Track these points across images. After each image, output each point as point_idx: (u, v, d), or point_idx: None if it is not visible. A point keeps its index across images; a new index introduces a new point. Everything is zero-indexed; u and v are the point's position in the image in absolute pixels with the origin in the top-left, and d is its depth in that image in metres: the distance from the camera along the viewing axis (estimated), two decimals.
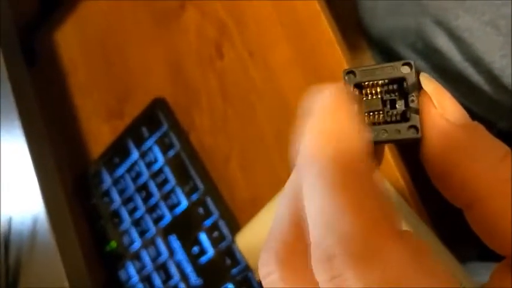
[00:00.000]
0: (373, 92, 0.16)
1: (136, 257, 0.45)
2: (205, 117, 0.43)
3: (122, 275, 0.46)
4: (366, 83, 0.16)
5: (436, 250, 0.29)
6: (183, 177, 0.42)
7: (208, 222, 0.41)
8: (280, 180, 0.39)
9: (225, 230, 0.40)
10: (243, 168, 0.41)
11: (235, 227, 0.40)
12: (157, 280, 0.43)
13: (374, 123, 0.15)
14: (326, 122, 0.14)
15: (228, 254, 0.40)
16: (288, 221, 0.15)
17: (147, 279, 0.44)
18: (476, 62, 0.39)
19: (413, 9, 0.42)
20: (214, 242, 0.40)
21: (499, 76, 0.38)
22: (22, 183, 0.41)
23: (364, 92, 0.16)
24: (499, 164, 0.14)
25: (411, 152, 0.17)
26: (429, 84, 0.15)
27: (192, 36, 0.44)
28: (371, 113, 0.16)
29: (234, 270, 0.40)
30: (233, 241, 0.39)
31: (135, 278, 0.45)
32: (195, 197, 0.41)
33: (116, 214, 0.46)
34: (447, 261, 0.29)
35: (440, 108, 0.15)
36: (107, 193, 0.47)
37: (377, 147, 0.16)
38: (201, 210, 0.41)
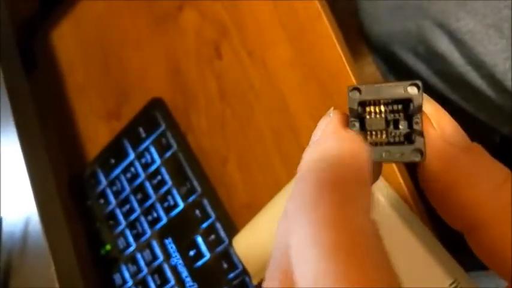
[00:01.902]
0: (377, 110, 0.15)
1: (132, 260, 0.44)
2: (203, 118, 0.43)
3: (117, 278, 0.45)
4: (370, 102, 0.15)
5: (436, 253, 0.28)
6: (180, 179, 0.41)
7: (205, 225, 0.40)
8: (278, 182, 0.38)
9: (222, 233, 0.39)
10: (241, 170, 0.40)
11: (233, 230, 0.39)
12: (152, 284, 0.43)
13: (376, 143, 0.15)
14: (320, 147, 0.14)
15: (225, 257, 0.39)
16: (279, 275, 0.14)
17: (142, 283, 0.43)
18: (479, 65, 0.38)
19: (414, 13, 0.41)
20: (211, 246, 0.40)
21: (502, 80, 0.37)
22: (14, 184, 0.40)
23: (367, 110, 0.15)
24: (499, 188, 0.14)
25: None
26: (429, 105, 0.15)
27: (190, 37, 0.44)
28: (373, 132, 0.15)
29: (231, 275, 0.39)
30: (230, 245, 0.38)
31: (130, 281, 0.44)
32: (191, 199, 0.41)
33: (111, 216, 0.46)
34: (446, 262, 0.28)
35: (439, 130, 0.15)
36: (102, 194, 0.46)
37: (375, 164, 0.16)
38: (197, 212, 0.40)
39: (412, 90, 0.15)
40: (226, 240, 0.39)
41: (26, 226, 0.38)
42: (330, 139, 0.14)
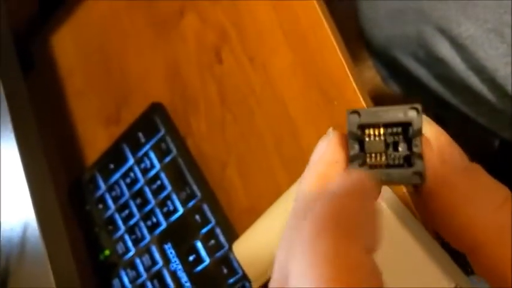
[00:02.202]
0: (376, 133, 0.15)
1: (131, 265, 0.44)
2: (203, 123, 0.42)
3: (116, 284, 0.45)
4: (370, 124, 0.15)
5: (437, 257, 0.28)
6: (180, 184, 0.41)
7: (204, 230, 0.40)
8: (279, 187, 0.38)
9: (222, 238, 0.39)
10: (241, 175, 0.40)
11: (233, 235, 0.39)
12: None
13: (375, 165, 0.15)
14: (317, 169, 0.14)
15: (225, 263, 0.39)
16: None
17: None
18: (480, 70, 0.38)
19: (415, 18, 0.41)
20: (211, 251, 0.39)
21: (503, 84, 0.37)
22: (13, 188, 0.40)
23: (367, 132, 0.15)
24: (498, 209, 0.14)
25: None
26: (428, 126, 0.15)
27: (191, 41, 0.44)
28: (372, 154, 0.15)
29: (231, 280, 0.38)
30: (230, 250, 0.38)
31: (129, 287, 0.44)
32: (191, 204, 0.41)
33: (110, 221, 0.45)
34: (447, 266, 0.28)
35: (437, 151, 0.15)
36: (101, 199, 0.46)
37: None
38: (197, 217, 0.40)
39: (412, 114, 0.15)
40: (226, 245, 0.39)
41: (24, 231, 0.37)
42: (336, 174, 0.14)
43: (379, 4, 0.45)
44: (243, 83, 0.40)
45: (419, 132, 0.15)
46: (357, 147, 0.15)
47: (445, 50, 0.40)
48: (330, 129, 0.16)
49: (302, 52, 0.37)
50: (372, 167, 0.15)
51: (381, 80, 0.52)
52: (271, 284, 0.14)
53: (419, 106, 0.15)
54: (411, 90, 0.49)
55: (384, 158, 0.15)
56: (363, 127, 0.15)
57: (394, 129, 0.15)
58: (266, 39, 0.39)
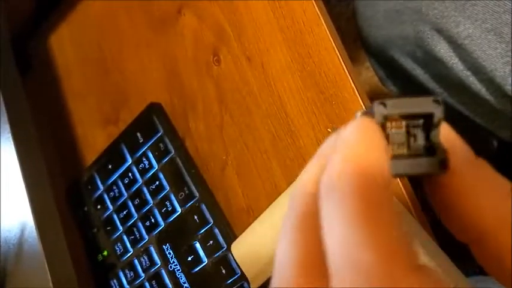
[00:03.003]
0: (398, 125, 0.16)
1: (129, 266, 0.44)
2: (201, 123, 0.42)
3: (114, 284, 0.45)
4: (392, 116, 0.16)
5: (436, 258, 0.28)
6: (178, 184, 0.41)
7: (203, 231, 0.40)
8: (277, 187, 0.38)
9: (220, 239, 0.39)
10: (239, 175, 0.40)
11: (231, 236, 0.39)
12: None
13: (398, 156, 0.16)
14: (353, 150, 0.14)
15: (223, 263, 0.39)
16: (303, 247, 0.15)
17: None
18: (478, 70, 0.38)
19: (413, 18, 0.41)
20: (209, 251, 0.39)
21: (501, 84, 0.37)
22: (10, 189, 0.39)
23: (389, 124, 0.16)
24: (504, 201, 0.14)
25: None
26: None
27: (189, 41, 0.43)
28: (395, 146, 0.16)
29: (229, 280, 0.38)
30: (228, 250, 0.38)
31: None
32: (189, 204, 0.41)
33: (109, 222, 0.45)
34: (446, 267, 0.28)
35: (447, 144, 0.15)
36: (99, 200, 0.46)
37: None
38: (195, 218, 0.40)
39: (434, 105, 0.15)
40: (225, 246, 0.39)
41: (22, 232, 0.37)
42: (360, 145, 0.15)
43: (377, 4, 0.45)
44: (241, 83, 0.40)
45: (439, 123, 0.15)
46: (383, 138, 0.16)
47: (443, 50, 0.40)
48: (359, 112, 0.16)
49: (300, 52, 0.37)
50: (395, 157, 0.16)
51: (378, 81, 0.52)
52: (273, 284, 0.15)
53: (440, 98, 0.16)
54: (409, 90, 0.49)
55: (405, 149, 0.16)
56: (385, 119, 0.16)
57: (415, 121, 0.16)
58: (264, 39, 0.39)
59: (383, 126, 0.16)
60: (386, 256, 0.12)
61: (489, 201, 0.15)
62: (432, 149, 0.16)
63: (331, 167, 0.14)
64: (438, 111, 0.15)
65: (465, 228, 0.15)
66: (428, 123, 0.16)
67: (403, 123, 0.16)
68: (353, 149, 0.14)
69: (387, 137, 0.16)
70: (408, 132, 0.16)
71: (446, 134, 0.16)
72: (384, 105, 0.16)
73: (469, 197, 0.15)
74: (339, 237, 0.13)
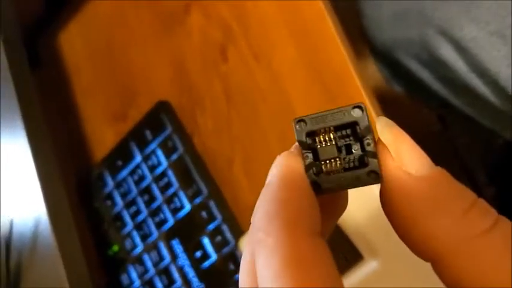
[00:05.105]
0: (327, 138, 0.15)
1: (139, 261, 0.45)
2: (209, 120, 0.43)
3: (124, 279, 0.45)
4: (319, 131, 0.15)
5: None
6: (186, 181, 0.42)
7: (211, 227, 0.40)
8: None
9: (229, 235, 0.40)
10: (247, 171, 0.41)
11: (239, 232, 0.39)
12: (159, 285, 0.43)
13: (332, 172, 0.15)
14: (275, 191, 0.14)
15: (231, 259, 0.39)
16: None
17: (149, 284, 0.44)
18: (482, 72, 0.38)
19: (418, 20, 0.41)
20: (218, 247, 0.40)
21: (505, 87, 0.37)
22: (24, 185, 0.40)
23: (317, 139, 0.15)
24: (463, 218, 0.13)
25: None
26: (387, 131, 0.14)
27: (196, 39, 0.44)
28: (327, 161, 0.15)
29: (237, 276, 0.39)
30: (236, 246, 0.39)
31: (137, 282, 0.45)
32: (198, 200, 0.41)
33: (119, 217, 0.46)
34: None
35: (397, 159, 0.14)
36: (109, 196, 0.47)
37: (340, 192, 0.16)
38: (204, 214, 0.41)
39: (356, 113, 0.15)
40: (233, 242, 0.39)
41: (36, 227, 0.38)
42: (275, 169, 0.15)
43: (382, 6, 0.45)
44: (248, 80, 0.41)
45: (367, 130, 0.15)
46: (310, 156, 0.15)
47: (448, 52, 0.40)
48: (277, 156, 0.16)
49: (306, 49, 0.38)
50: (329, 173, 0.15)
51: (382, 78, 0.52)
52: (240, 284, 0.15)
53: (362, 104, 0.15)
54: (414, 91, 0.49)
55: (338, 163, 0.15)
56: (313, 135, 0.15)
57: (344, 132, 0.15)
58: (271, 36, 0.39)
59: (311, 143, 0.15)
60: None
61: (444, 221, 0.13)
62: (363, 160, 0.15)
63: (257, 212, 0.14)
64: (361, 119, 0.15)
65: (421, 251, 0.14)
66: (356, 133, 0.15)
67: (332, 136, 0.15)
68: (276, 182, 0.14)
69: (316, 152, 0.15)
70: (338, 145, 0.15)
71: (395, 144, 0.14)
72: (304, 122, 0.15)
73: (422, 218, 0.13)
74: (259, 264, 0.13)
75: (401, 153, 0.14)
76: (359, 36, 0.49)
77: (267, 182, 0.15)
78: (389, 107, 0.38)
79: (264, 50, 0.40)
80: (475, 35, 0.37)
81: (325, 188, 0.15)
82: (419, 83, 0.45)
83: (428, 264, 0.14)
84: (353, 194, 0.16)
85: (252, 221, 0.14)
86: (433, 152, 0.15)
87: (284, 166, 0.14)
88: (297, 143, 0.15)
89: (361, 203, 0.31)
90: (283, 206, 0.13)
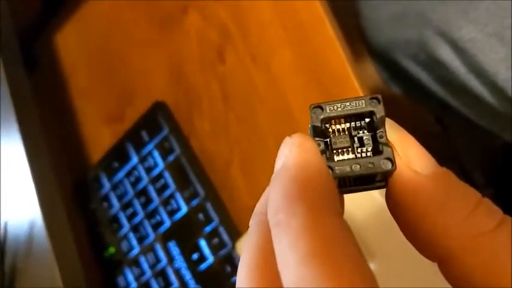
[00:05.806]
0: (341, 128, 0.15)
1: (135, 263, 0.44)
2: (206, 122, 0.43)
3: (120, 281, 0.45)
4: (333, 120, 0.15)
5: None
6: (183, 183, 0.42)
7: (208, 229, 0.40)
8: None
9: (225, 237, 0.39)
10: (244, 173, 0.40)
11: (236, 234, 0.39)
12: (156, 287, 0.43)
13: (343, 161, 0.15)
14: (283, 171, 0.14)
15: (228, 261, 0.39)
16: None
17: (145, 286, 0.43)
18: (480, 73, 0.38)
19: (416, 21, 0.41)
20: (214, 249, 0.40)
21: (504, 88, 0.37)
22: (19, 187, 0.40)
23: (331, 129, 0.15)
24: (470, 216, 0.13)
25: None
26: (393, 131, 0.15)
27: (194, 40, 0.44)
28: (339, 150, 0.15)
29: (234, 278, 0.39)
30: (233, 248, 0.38)
31: (134, 284, 0.44)
32: (195, 202, 0.41)
33: (115, 219, 0.46)
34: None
35: (404, 158, 0.14)
36: (105, 198, 0.47)
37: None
38: (201, 216, 0.40)
39: (373, 104, 0.15)
40: (230, 244, 0.39)
41: (31, 229, 0.38)
42: (289, 150, 0.14)
43: (381, 7, 0.45)
44: (245, 82, 0.40)
45: (382, 122, 0.15)
46: (322, 144, 0.15)
47: (446, 54, 0.40)
48: (287, 137, 0.15)
49: (304, 50, 0.38)
50: (340, 162, 0.15)
51: (381, 79, 0.52)
52: (239, 284, 0.14)
53: (379, 96, 0.15)
54: (412, 92, 0.49)
55: (351, 153, 0.15)
56: (327, 123, 0.15)
57: (358, 123, 0.15)
58: (268, 38, 0.39)
59: (325, 131, 0.15)
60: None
61: (453, 219, 0.13)
62: (378, 148, 0.15)
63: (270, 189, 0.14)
64: (378, 110, 0.15)
65: (430, 249, 0.14)
66: (372, 124, 0.15)
67: (346, 126, 0.15)
68: (283, 170, 0.14)
69: (329, 142, 0.15)
70: (352, 135, 0.15)
71: (402, 144, 0.14)
72: (320, 108, 0.15)
73: (431, 216, 0.13)
74: (294, 277, 0.12)
75: (408, 152, 0.14)
76: (357, 37, 0.49)
77: (279, 164, 0.14)
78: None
79: (262, 51, 0.40)
80: (474, 36, 0.37)
81: (338, 175, 0.15)
82: (418, 84, 0.45)
83: (425, 266, 0.14)
84: (351, 194, 0.16)
85: (260, 207, 0.14)
86: (431, 153, 0.15)
87: (300, 147, 0.14)
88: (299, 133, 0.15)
89: (359, 205, 0.30)
90: (305, 186, 0.13)
